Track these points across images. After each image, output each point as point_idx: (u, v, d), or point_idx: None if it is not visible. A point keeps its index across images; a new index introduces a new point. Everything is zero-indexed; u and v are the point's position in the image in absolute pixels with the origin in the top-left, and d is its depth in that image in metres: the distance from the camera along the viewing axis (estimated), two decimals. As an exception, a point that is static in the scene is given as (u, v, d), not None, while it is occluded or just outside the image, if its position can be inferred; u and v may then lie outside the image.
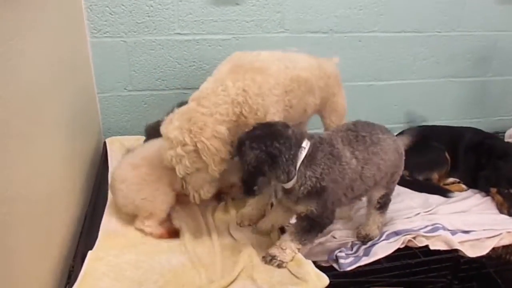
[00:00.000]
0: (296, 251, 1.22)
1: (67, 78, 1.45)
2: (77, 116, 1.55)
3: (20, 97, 0.98)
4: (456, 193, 1.77)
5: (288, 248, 1.21)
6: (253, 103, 1.25)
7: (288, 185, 1.15)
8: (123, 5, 1.75)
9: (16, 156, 0.93)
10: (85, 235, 1.32)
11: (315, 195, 1.16)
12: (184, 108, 1.24)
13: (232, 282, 1.14)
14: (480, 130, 1.97)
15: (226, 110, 1.22)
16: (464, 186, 1.84)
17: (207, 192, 1.29)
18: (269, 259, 1.20)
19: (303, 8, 1.91)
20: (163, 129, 1.23)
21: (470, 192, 1.80)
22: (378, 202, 1.42)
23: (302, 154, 1.14)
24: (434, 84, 2.24)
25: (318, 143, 1.18)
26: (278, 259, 1.19)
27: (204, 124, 1.17)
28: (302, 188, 1.15)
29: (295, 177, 1.13)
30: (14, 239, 0.91)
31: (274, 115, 1.30)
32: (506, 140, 2.29)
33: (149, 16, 1.79)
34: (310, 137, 1.18)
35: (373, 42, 2.05)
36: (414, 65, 2.16)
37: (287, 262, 1.20)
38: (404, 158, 1.40)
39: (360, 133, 1.27)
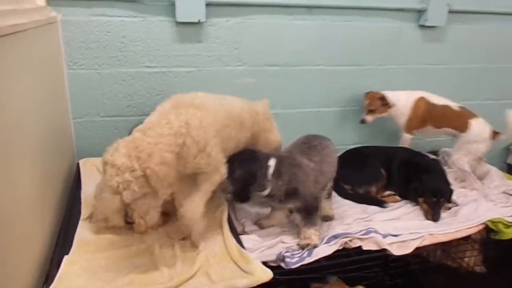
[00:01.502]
0: (316, 232, 1.64)
1: (44, 105, 1.64)
2: (53, 139, 1.74)
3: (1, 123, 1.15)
4: (391, 204, 2.03)
5: (312, 234, 1.62)
6: (195, 135, 1.35)
7: (265, 193, 1.59)
8: (97, 41, 1.98)
9: None
10: (61, 244, 1.49)
11: (292, 195, 1.59)
12: (129, 138, 1.30)
13: (190, 278, 1.34)
14: (409, 149, 2.27)
15: (170, 140, 1.31)
16: (398, 198, 2.11)
17: (152, 217, 1.39)
18: (305, 247, 1.61)
19: (259, 45, 2.20)
20: (107, 157, 1.26)
21: (403, 202, 2.07)
22: (328, 189, 1.83)
23: (270, 170, 1.56)
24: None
25: (281, 158, 1.61)
26: (312, 244, 1.61)
27: (152, 152, 1.25)
28: (279, 192, 1.59)
29: (270, 187, 1.56)
30: None
31: (213, 147, 1.43)
32: (440, 159, 2.62)
33: (121, 51, 2.02)
34: (275, 156, 1.60)
35: (321, 74, 2.35)
36: (358, 93, 2.46)
37: (318, 244, 1.61)
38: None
39: (312, 143, 1.73)
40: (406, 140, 2.39)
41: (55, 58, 1.91)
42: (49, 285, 1.27)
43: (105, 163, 1.27)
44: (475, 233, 1.87)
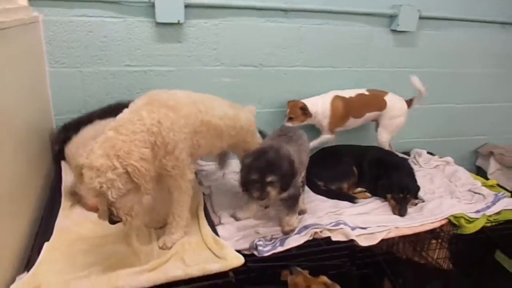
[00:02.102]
0: (297, 219, 1.78)
1: (26, 101, 1.70)
2: (35, 134, 1.80)
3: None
4: (361, 200, 2.13)
5: (294, 222, 1.76)
6: (166, 135, 1.37)
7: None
8: (79, 41, 2.04)
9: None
10: (42, 231, 1.56)
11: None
12: (102, 138, 1.28)
13: (165, 262, 1.42)
14: (381, 148, 2.38)
15: (143, 137, 1.31)
16: (368, 194, 2.20)
17: (137, 213, 1.34)
18: (288, 233, 1.75)
19: (236, 46, 2.28)
20: (83, 160, 1.24)
21: (372, 198, 2.17)
22: (301, 181, 1.91)
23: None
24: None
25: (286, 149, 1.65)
26: (290, 229, 1.75)
27: (129, 149, 1.26)
28: None
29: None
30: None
31: (182, 150, 1.44)
32: (411, 159, 2.74)
33: (102, 50, 2.08)
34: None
35: (297, 74, 2.45)
36: (330, 94, 2.57)
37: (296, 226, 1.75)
38: None
39: (288, 135, 1.82)
40: (330, 140, 2.49)
41: (36, 57, 1.97)
42: (30, 269, 1.33)
43: (81, 167, 1.24)
44: (439, 228, 1.98)
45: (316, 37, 2.41)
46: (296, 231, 1.77)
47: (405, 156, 2.64)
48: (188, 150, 1.50)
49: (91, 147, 1.26)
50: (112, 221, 1.30)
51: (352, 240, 1.76)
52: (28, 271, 1.32)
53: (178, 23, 2.11)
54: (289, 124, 2.31)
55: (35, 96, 1.90)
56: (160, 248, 1.52)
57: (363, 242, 1.78)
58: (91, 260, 1.42)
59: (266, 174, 1.51)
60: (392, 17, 2.49)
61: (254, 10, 2.24)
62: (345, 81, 2.54)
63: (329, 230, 1.79)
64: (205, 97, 1.63)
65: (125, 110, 1.41)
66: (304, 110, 2.31)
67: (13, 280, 1.27)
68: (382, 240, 1.82)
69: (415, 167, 2.59)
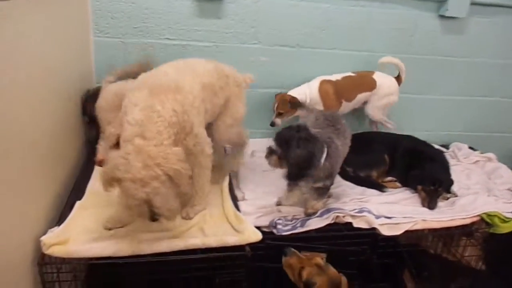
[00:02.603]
0: (323, 205, 1.79)
1: (70, 66, 1.79)
2: (77, 97, 1.90)
3: (29, 84, 1.30)
4: (390, 189, 2.09)
5: (319, 206, 1.77)
6: (182, 120, 1.36)
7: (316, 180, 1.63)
8: (122, 12, 2.10)
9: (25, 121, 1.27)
10: (75, 191, 1.66)
11: (329, 176, 1.66)
12: (132, 148, 1.25)
13: (186, 231, 1.48)
14: (416, 138, 2.29)
15: (168, 133, 1.31)
16: (399, 184, 2.15)
17: (177, 207, 1.35)
18: (310, 215, 1.76)
19: (274, 25, 2.27)
20: (122, 174, 1.22)
21: (403, 189, 2.11)
22: None
23: (325, 152, 1.57)
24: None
25: (327, 141, 1.60)
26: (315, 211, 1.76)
27: (165, 153, 1.26)
28: (322, 174, 1.60)
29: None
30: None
31: (198, 125, 1.45)
32: (449, 152, 2.64)
33: (143, 23, 2.14)
34: (324, 139, 1.59)
35: (334, 57, 2.40)
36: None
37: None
38: None
39: (336, 126, 1.75)
40: None
41: (83, 25, 2.06)
42: (61, 224, 1.43)
43: (121, 180, 1.22)
44: (470, 225, 1.91)
45: (358, 20, 2.34)
46: (318, 213, 1.77)
47: (442, 149, 2.54)
48: (202, 122, 1.52)
49: (125, 160, 1.23)
50: (154, 219, 1.33)
51: (374, 228, 1.74)
52: (59, 225, 1.42)
53: (219, -1, 2.12)
54: (278, 120, 2.20)
55: (80, 62, 2.00)
56: (182, 218, 1.57)
57: (386, 231, 1.75)
58: (118, 222, 1.49)
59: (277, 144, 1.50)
60: (441, 2, 2.37)
61: (295, -11, 2.21)
62: (386, 66, 2.46)
63: (351, 216, 1.77)
64: (186, 63, 1.59)
65: (131, 106, 1.34)
66: (294, 103, 2.16)
67: (45, 232, 1.37)
68: (407, 232, 1.78)
69: (452, 161, 2.51)
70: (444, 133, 2.77)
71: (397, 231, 1.76)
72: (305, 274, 1.40)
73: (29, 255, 1.30)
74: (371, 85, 2.31)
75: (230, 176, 1.89)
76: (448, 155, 2.60)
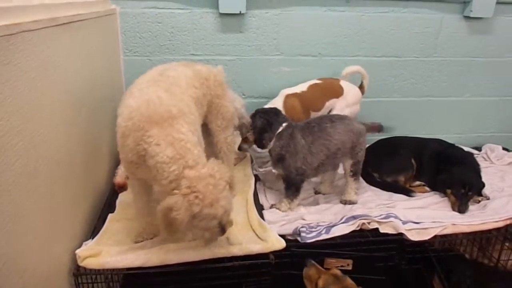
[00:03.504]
0: (288, 204, 1.87)
1: (104, 85, 1.91)
2: (108, 112, 2.01)
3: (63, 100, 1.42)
4: (418, 194, 2.06)
5: (283, 203, 1.88)
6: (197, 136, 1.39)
7: (266, 149, 1.84)
8: (150, 31, 2.21)
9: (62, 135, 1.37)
10: (108, 204, 1.75)
11: (280, 161, 1.83)
12: (188, 181, 1.22)
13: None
14: (444, 141, 2.25)
15: (197, 150, 1.30)
16: (427, 188, 2.12)
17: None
18: (274, 209, 1.88)
19: (296, 35, 2.31)
20: (196, 208, 1.21)
21: (432, 193, 2.08)
22: (351, 171, 1.93)
23: (279, 130, 1.80)
24: (415, 102, 2.56)
25: (287, 126, 1.81)
26: (277, 207, 1.89)
27: (212, 167, 1.29)
28: (274, 153, 1.84)
29: (271, 144, 1.82)
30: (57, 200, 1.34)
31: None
32: (482, 154, 2.57)
33: (169, 40, 2.24)
34: (287, 122, 1.83)
35: (357, 64, 2.39)
36: (395, 85, 2.49)
37: (284, 210, 1.87)
38: (363, 136, 1.90)
39: (311, 124, 1.85)
40: None
41: (114, 46, 2.18)
42: (94, 237, 1.52)
43: (198, 212, 1.22)
44: (504, 228, 1.85)
45: (379, 26, 2.34)
46: (343, 220, 1.78)
47: (473, 151, 2.48)
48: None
49: (208, 200, 1.22)
50: (224, 231, 1.35)
51: (401, 234, 1.72)
52: (93, 238, 1.51)
53: (240, 14, 2.19)
54: (245, 146, 1.97)
55: (111, 81, 2.11)
56: None
57: (415, 236, 1.73)
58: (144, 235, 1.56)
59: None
60: (465, 3, 2.33)
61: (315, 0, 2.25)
62: (411, 71, 2.45)
63: (378, 222, 1.76)
64: (167, 79, 1.50)
65: (155, 148, 1.25)
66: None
67: (80, 245, 1.46)
68: (439, 236, 1.76)
69: (485, 163, 2.46)
70: (475, 135, 2.71)
71: (426, 236, 1.73)
72: (320, 283, 1.42)
73: (66, 266, 1.38)
74: (338, 92, 2.22)
75: (255, 185, 1.94)
76: (480, 157, 2.55)
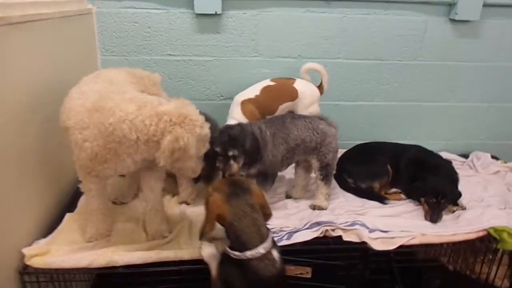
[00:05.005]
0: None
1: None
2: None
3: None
4: (392, 201, 2.00)
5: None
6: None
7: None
8: (126, 31, 2.20)
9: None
10: (69, 205, 1.76)
11: (258, 159, 1.72)
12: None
13: (164, 244, 1.52)
14: (422, 148, 2.17)
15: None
16: (403, 196, 2.05)
17: None
18: None
19: (275, 37, 2.27)
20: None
21: (407, 201, 2.01)
22: (320, 174, 1.87)
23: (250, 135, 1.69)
24: (398, 106, 2.49)
25: (253, 125, 1.75)
26: None
27: None
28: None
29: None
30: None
31: None
32: (468, 162, 2.49)
33: (146, 40, 2.23)
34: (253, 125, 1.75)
35: (338, 67, 2.36)
36: (378, 88, 2.43)
37: None
38: (330, 137, 1.85)
39: (272, 119, 1.85)
40: None
41: (91, 45, 2.19)
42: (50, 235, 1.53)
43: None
44: (478, 240, 1.78)
45: (361, 28, 2.28)
46: (307, 226, 1.74)
47: (461, 158, 2.41)
48: None
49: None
50: None
51: (364, 243, 1.67)
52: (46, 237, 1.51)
53: (216, 14, 2.16)
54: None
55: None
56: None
57: (379, 246, 1.67)
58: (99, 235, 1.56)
59: (229, 148, 1.62)
60: (450, 5, 2.26)
61: (294, 0, 2.20)
62: (394, 74, 2.39)
63: (342, 229, 1.72)
64: (110, 83, 1.49)
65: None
66: None
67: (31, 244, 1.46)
68: (402, 246, 1.70)
69: (470, 172, 2.38)
70: (464, 141, 2.62)
71: (391, 246, 1.68)
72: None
73: (14, 264, 1.38)
74: (292, 95, 2.10)
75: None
76: (466, 165, 2.47)
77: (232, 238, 1.28)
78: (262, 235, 1.29)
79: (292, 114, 1.96)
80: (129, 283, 1.51)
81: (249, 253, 1.24)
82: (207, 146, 1.38)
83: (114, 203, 1.82)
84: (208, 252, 1.40)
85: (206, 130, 1.33)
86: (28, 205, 1.50)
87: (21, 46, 1.44)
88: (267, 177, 1.82)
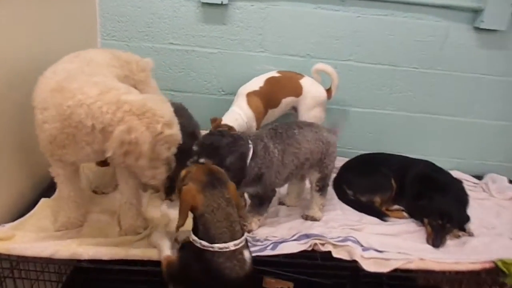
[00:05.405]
0: (258, 222, 1.66)
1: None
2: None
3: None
4: (394, 219, 1.85)
5: (253, 222, 1.64)
6: None
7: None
8: (128, 15, 2.11)
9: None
10: (47, 190, 1.66)
11: (258, 179, 1.54)
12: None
13: (136, 241, 1.42)
14: (432, 163, 2.01)
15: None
16: (405, 214, 1.90)
17: None
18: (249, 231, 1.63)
19: (282, 32, 2.14)
20: None
21: (409, 220, 1.85)
22: (317, 185, 1.74)
23: (251, 150, 1.48)
24: (411, 117, 2.32)
25: (256, 141, 1.52)
26: (247, 229, 1.62)
27: None
28: (247, 176, 1.49)
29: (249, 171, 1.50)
30: None
31: None
32: (481, 184, 2.30)
33: (148, 27, 2.13)
34: (250, 136, 1.53)
35: (348, 70, 2.21)
36: (390, 96, 2.27)
37: (253, 230, 1.64)
38: (333, 147, 1.70)
39: (278, 130, 1.62)
40: None
41: (91, 28, 2.11)
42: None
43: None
44: (484, 271, 1.61)
45: (376, 30, 2.13)
46: (295, 237, 1.61)
47: (474, 179, 2.23)
48: None
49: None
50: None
51: (355, 261, 1.53)
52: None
53: (222, 4, 2.05)
54: None
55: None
56: None
57: (371, 267, 1.52)
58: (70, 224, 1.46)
59: (202, 155, 1.41)
60: (476, 12, 2.08)
61: (305, -5, 2.07)
62: (409, 82, 2.23)
63: (332, 244, 1.58)
64: (89, 63, 1.38)
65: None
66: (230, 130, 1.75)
67: (-2, 227, 1.37)
68: (397, 270, 1.54)
69: (483, 195, 2.20)
70: (479, 162, 2.43)
71: (385, 268, 1.53)
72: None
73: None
74: (296, 90, 1.98)
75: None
76: (479, 187, 2.29)
77: (200, 229, 1.17)
78: (234, 232, 1.18)
79: (297, 122, 1.78)
80: (98, 279, 1.43)
81: (217, 246, 1.14)
82: (172, 150, 1.23)
83: (95, 192, 1.74)
84: (157, 235, 1.35)
85: (172, 131, 1.19)
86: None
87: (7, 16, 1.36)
88: (264, 201, 1.64)
